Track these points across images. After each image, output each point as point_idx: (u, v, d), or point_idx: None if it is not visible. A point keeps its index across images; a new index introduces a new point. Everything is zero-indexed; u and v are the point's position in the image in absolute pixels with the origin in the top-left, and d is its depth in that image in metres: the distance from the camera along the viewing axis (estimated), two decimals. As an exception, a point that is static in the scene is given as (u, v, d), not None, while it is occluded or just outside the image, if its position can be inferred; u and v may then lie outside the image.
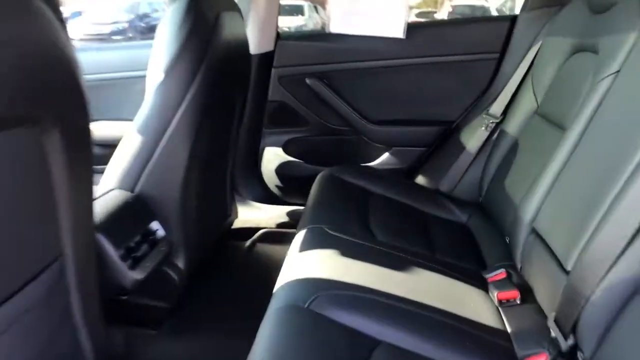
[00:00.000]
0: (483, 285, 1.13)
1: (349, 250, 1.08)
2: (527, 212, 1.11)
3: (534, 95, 1.39)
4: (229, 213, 1.73)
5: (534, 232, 1.08)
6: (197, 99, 1.18)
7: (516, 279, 1.13)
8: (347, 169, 1.65)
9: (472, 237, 1.42)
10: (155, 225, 1.20)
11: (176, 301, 1.33)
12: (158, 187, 1.20)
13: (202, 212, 1.43)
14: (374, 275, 1.02)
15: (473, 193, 1.56)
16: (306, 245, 1.09)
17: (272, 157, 1.84)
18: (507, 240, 1.20)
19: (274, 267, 1.13)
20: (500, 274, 1.17)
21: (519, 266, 1.13)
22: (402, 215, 1.43)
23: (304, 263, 1.04)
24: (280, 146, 1.82)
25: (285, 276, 1.01)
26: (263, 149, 1.84)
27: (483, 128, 1.54)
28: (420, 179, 1.69)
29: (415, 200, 1.53)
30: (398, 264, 1.08)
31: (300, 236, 1.15)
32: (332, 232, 1.16)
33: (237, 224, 1.89)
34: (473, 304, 1.05)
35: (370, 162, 1.79)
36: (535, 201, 1.10)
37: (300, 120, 1.80)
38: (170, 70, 1.14)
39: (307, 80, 1.71)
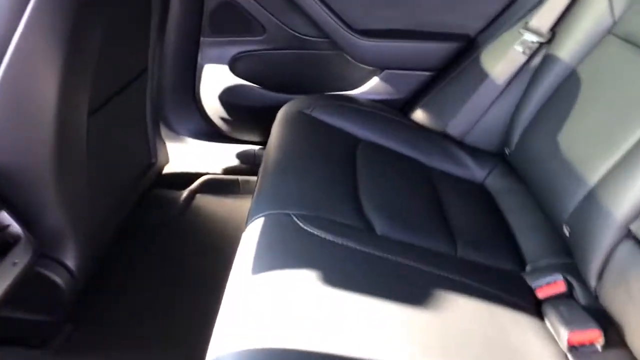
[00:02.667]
0: (529, 302, 0.75)
1: (334, 269, 0.65)
2: (613, 201, 0.70)
3: (610, 2, 0.92)
4: (153, 158, 1.24)
5: (632, 237, 0.68)
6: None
7: (583, 296, 0.75)
8: (320, 100, 1.18)
9: (494, 205, 1.02)
10: (3, 217, 0.71)
11: (65, 312, 0.89)
12: (8, 148, 0.71)
13: (103, 172, 0.94)
14: (382, 314, 0.61)
15: (494, 141, 1.13)
16: (261, 262, 0.65)
17: (215, 79, 1.32)
18: (567, 232, 0.80)
19: (220, 229, 0.73)
20: (555, 283, 0.78)
21: (591, 276, 0.73)
22: (405, 177, 0.99)
23: (255, 295, 0.61)
24: (226, 63, 1.30)
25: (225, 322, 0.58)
26: (202, 68, 1.31)
27: (519, 48, 1.07)
28: (421, 117, 1.24)
29: (417, 148, 1.09)
30: (415, 288, 0.67)
31: (251, 236, 0.70)
32: (304, 226, 0.72)
33: (169, 169, 1.41)
34: (525, 347, 0.66)
35: (352, 89, 1.31)
36: (628, 185, 0.69)
37: (254, 27, 1.26)
38: None
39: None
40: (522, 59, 1.06)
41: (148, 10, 1.00)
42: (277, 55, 1.31)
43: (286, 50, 1.30)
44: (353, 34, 1.20)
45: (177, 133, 1.40)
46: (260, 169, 0.95)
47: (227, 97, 1.33)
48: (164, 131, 1.39)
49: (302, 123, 1.08)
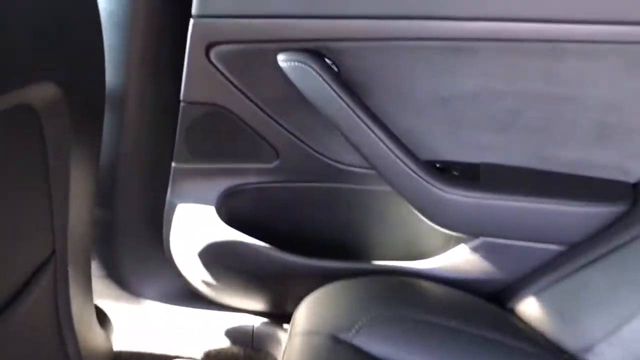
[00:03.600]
0: None
1: None
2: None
3: None
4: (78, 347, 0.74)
5: None
6: None
7: None
8: (369, 290, 0.69)
9: None
10: None
11: None
12: None
13: None
14: None
15: None
16: None
17: (193, 225, 0.83)
18: None
19: None
20: None
21: None
22: None
23: None
24: (212, 203, 0.82)
25: None
26: (173, 207, 0.83)
27: None
28: (533, 315, 0.71)
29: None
30: None
31: None
32: None
33: (125, 346, 0.91)
34: None
35: (419, 258, 0.80)
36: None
37: (259, 149, 0.78)
38: None
39: (281, 59, 0.68)
40: None
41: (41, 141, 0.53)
42: (294, 191, 0.82)
43: (309, 184, 0.82)
44: (430, 180, 0.70)
45: (136, 295, 0.91)
46: None
47: (212, 257, 0.83)
48: (115, 292, 0.90)
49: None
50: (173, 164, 0.79)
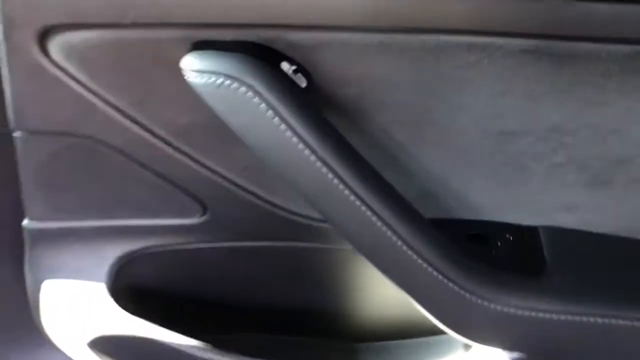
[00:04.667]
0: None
1: None
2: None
3: None
4: None
5: None
6: None
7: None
8: None
9: None
10: None
11: None
12: None
13: None
14: None
15: None
16: None
17: (74, 310, 0.52)
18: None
19: None
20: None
21: None
22: None
23: None
24: (104, 278, 0.50)
25: None
26: (37, 286, 0.51)
27: None
28: None
29: None
30: None
31: None
32: None
33: None
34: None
35: None
36: None
37: (169, 198, 0.47)
38: None
39: (191, 67, 0.35)
40: None
41: None
42: (230, 253, 0.52)
43: (253, 243, 0.51)
44: (462, 282, 0.40)
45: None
46: None
47: (112, 352, 0.53)
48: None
49: None
50: (25, 222, 0.47)
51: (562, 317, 0.40)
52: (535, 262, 0.42)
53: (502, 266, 0.42)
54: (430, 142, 0.40)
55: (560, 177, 0.40)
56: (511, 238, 0.44)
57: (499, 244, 0.44)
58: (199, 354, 0.53)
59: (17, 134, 0.40)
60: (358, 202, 0.37)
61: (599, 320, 0.39)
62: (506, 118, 0.38)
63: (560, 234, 0.42)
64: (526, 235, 0.44)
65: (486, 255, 0.44)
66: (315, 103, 0.37)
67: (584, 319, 0.39)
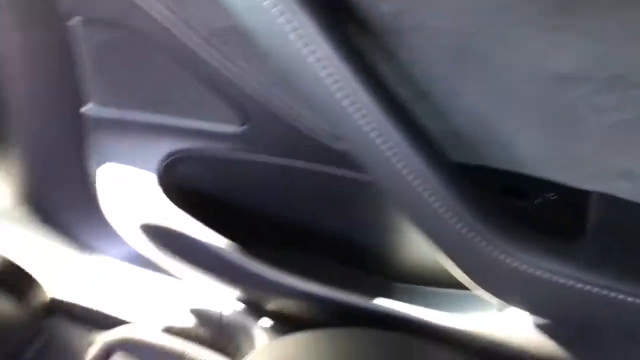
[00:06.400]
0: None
1: None
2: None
3: None
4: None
5: None
6: None
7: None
8: None
9: None
10: None
11: None
12: None
13: None
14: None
15: None
16: None
17: (129, 194, 0.57)
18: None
19: None
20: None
21: None
22: None
23: None
24: (155, 170, 0.54)
25: None
26: (97, 167, 0.56)
27: None
28: None
29: None
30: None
31: None
32: None
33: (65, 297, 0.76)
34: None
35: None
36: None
37: (218, 105, 0.47)
38: None
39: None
40: None
41: None
42: (268, 168, 0.52)
43: (293, 160, 0.51)
44: (490, 236, 0.37)
45: (84, 248, 0.71)
46: None
47: (160, 240, 0.58)
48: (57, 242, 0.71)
49: None
50: (84, 108, 0.51)
51: (594, 290, 0.36)
52: (575, 228, 0.38)
53: (537, 226, 0.38)
54: (473, 78, 0.36)
55: (624, 137, 0.34)
56: (554, 198, 0.39)
57: (538, 201, 0.39)
58: (231, 257, 0.56)
59: (73, 21, 0.43)
60: (373, 134, 0.34)
61: (629, 299, 0.34)
62: (563, 58, 0.32)
63: (612, 204, 0.37)
64: (573, 198, 0.38)
65: (521, 211, 0.39)
66: (344, 23, 0.34)
67: (612, 294, 0.35)
